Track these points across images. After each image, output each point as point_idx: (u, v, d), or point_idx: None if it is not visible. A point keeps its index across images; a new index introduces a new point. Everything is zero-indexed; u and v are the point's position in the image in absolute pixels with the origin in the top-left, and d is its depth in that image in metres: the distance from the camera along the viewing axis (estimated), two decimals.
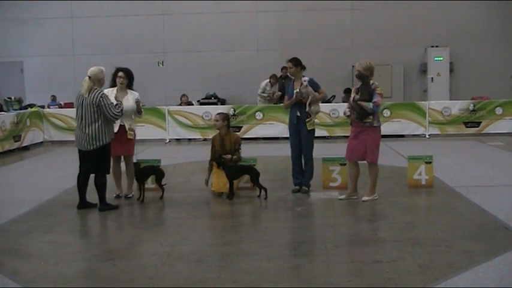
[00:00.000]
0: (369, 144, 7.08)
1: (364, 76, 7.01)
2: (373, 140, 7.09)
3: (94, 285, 4.55)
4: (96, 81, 6.93)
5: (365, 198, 7.20)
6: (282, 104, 8.00)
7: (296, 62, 7.73)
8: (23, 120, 13.90)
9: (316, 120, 13.74)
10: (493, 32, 18.19)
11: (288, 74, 7.84)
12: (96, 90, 6.86)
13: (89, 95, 6.83)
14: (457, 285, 4.28)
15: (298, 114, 7.67)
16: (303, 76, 7.68)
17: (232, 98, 17.95)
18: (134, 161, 7.85)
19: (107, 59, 16.61)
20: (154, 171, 7.70)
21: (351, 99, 7.16)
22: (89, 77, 6.89)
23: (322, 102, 13.94)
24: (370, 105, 6.92)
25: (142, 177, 7.57)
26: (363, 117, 7.01)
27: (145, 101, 16.72)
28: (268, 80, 15.46)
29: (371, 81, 7.05)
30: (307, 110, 7.57)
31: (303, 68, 7.78)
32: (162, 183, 7.65)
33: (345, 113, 7.43)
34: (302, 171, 7.88)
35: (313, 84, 7.63)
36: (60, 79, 18.33)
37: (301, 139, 7.74)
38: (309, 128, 7.64)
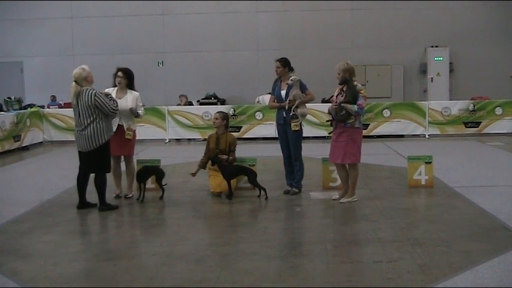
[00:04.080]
0: (349, 146, 7.00)
1: (347, 80, 6.96)
2: (353, 141, 7.01)
3: (94, 285, 4.55)
4: (82, 80, 6.86)
5: (343, 200, 7.14)
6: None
7: (285, 63, 7.67)
8: (22, 120, 13.90)
9: (315, 120, 14.07)
10: (493, 32, 18.21)
11: (276, 73, 7.78)
12: (88, 90, 6.80)
13: (81, 97, 6.78)
14: (457, 285, 4.28)
15: (285, 115, 7.62)
16: (290, 76, 7.64)
17: (232, 98, 17.97)
18: (134, 161, 7.86)
19: (107, 59, 16.68)
20: (155, 171, 7.70)
21: (335, 99, 7.12)
22: (75, 81, 6.85)
23: (321, 102, 13.94)
24: (355, 107, 6.87)
25: (143, 177, 7.57)
26: (346, 119, 6.97)
27: (145, 101, 16.70)
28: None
29: (354, 83, 7.01)
30: (293, 113, 7.49)
31: (291, 69, 7.73)
32: (162, 183, 7.65)
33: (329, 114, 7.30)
34: (293, 171, 7.86)
35: (300, 85, 7.56)
36: (60, 79, 18.29)
37: (289, 140, 7.70)
38: (293, 129, 7.57)
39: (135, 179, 7.59)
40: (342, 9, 18.51)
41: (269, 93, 8.52)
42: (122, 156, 7.79)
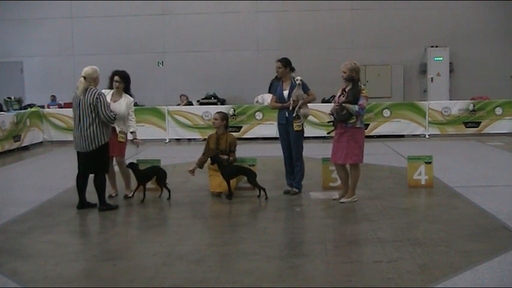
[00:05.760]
0: (351, 146, 7.00)
1: (353, 78, 6.95)
2: (355, 141, 7.01)
3: (94, 285, 4.55)
4: (91, 80, 6.90)
5: (343, 200, 7.15)
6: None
7: (286, 63, 7.65)
8: (22, 120, 13.90)
9: (316, 120, 14.07)
10: (493, 32, 18.21)
11: (276, 73, 7.78)
12: (92, 90, 6.84)
13: (85, 95, 6.81)
14: (457, 285, 4.28)
15: (287, 115, 7.61)
16: (293, 77, 7.61)
17: (232, 98, 17.97)
18: (134, 161, 7.85)
19: (107, 59, 16.65)
20: (157, 171, 7.68)
21: (337, 99, 7.12)
22: (84, 77, 6.88)
23: (321, 102, 13.92)
24: (356, 107, 6.88)
25: (145, 178, 7.56)
26: (347, 119, 6.96)
27: (145, 101, 16.82)
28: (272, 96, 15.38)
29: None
30: (295, 114, 7.48)
31: (292, 69, 7.71)
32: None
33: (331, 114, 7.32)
34: (294, 171, 7.83)
35: (303, 85, 7.55)
36: (60, 79, 18.35)
37: (290, 140, 7.70)
38: (295, 129, 7.57)
39: (137, 179, 7.58)
40: (342, 9, 18.51)
41: (269, 92, 8.46)
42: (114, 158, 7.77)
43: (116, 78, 7.58)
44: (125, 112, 7.55)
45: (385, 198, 7.37)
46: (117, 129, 7.55)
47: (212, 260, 5.03)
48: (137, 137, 7.84)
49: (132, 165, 7.59)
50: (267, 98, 15.10)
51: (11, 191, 8.58)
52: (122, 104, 7.54)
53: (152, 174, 7.69)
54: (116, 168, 7.84)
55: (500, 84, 17.74)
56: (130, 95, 7.71)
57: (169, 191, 7.62)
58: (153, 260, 5.04)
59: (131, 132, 7.74)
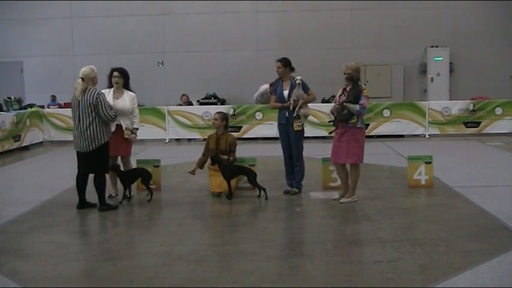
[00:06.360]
0: (352, 146, 7.01)
1: (354, 78, 6.98)
2: (355, 141, 7.02)
3: (94, 285, 4.55)
4: (89, 80, 6.90)
5: (343, 200, 7.15)
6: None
7: (285, 63, 7.66)
8: (22, 120, 13.90)
9: (315, 120, 14.07)
10: (493, 32, 18.20)
11: (277, 73, 7.78)
12: (92, 90, 6.84)
13: (84, 96, 6.81)
14: (457, 285, 4.28)
15: (287, 115, 7.61)
16: (293, 77, 7.62)
17: (232, 98, 17.96)
18: (133, 161, 7.84)
19: (107, 59, 16.61)
20: (141, 173, 7.63)
21: (338, 99, 7.13)
22: (82, 78, 6.87)
23: (321, 102, 13.90)
24: (357, 107, 6.89)
25: (129, 179, 7.52)
26: (348, 119, 6.97)
27: (145, 101, 16.81)
28: (268, 85, 15.36)
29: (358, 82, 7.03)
30: (295, 114, 7.48)
31: (292, 69, 7.72)
32: (150, 184, 7.60)
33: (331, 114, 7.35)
34: (294, 171, 7.84)
35: (303, 85, 7.56)
36: (60, 79, 18.33)
37: (290, 140, 7.70)
38: (296, 129, 7.57)
39: (121, 181, 7.52)
40: (342, 9, 18.50)
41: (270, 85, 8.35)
42: (119, 157, 7.77)
43: (115, 73, 7.59)
44: (129, 107, 7.56)
45: (385, 198, 7.38)
46: (123, 126, 7.54)
47: (212, 260, 5.04)
48: (136, 135, 7.79)
49: (114, 167, 7.47)
50: (263, 87, 15.11)
51: (11, 191, 8.58)
52: (126, 100, 7.55)
53: (136, 176, 7.65)
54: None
55: (500, 84, 17.74)
56: (131, 91, 7.72)
57: (151, 193, 7.53)
58: (153, 260, 5.04)
59: (133, 129, 7.70)
